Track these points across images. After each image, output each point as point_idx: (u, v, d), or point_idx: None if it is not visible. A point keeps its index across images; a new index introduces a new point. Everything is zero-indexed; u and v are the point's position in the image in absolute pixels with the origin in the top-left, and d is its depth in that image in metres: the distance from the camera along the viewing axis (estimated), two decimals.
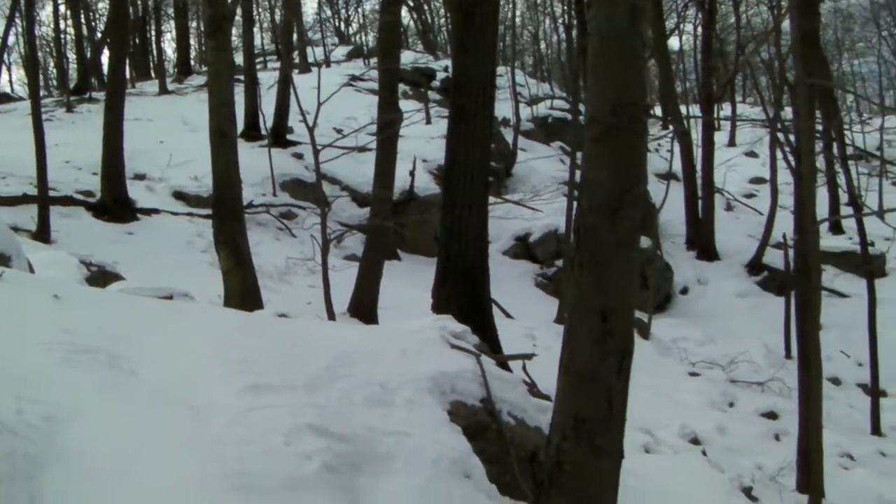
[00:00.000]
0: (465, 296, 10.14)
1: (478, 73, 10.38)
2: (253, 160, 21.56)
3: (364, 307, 14.40)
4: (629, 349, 3.67)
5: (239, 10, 28.57)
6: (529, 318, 17.45)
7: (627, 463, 7.81)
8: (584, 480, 3.64)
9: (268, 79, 31.78)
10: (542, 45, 56.07)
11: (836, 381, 19.49)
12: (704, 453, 11.24)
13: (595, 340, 3.60)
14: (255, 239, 15.75)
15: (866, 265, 18.52)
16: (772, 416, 15.92)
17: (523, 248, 22.17)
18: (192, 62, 47.76)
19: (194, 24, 48.59)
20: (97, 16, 46.61)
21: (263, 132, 25.06)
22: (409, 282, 16.85)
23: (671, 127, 28.40)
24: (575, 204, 14.98)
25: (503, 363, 8.03)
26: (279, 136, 24.49)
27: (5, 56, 38.93)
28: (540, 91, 39.32)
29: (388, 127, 14.18)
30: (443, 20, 53.25)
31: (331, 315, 12.21)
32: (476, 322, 9.40)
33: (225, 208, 11.65)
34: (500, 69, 36.91)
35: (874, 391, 16.92)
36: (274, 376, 5.33)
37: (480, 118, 10.34)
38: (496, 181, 24.86)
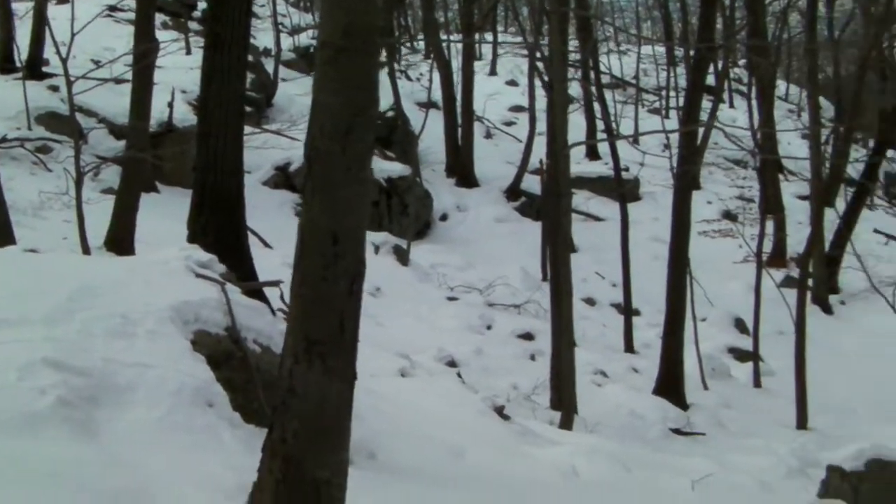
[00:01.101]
0: (221, 226, 10.03)
1: (233, 1, 10.21)
2: (7, 93, 20.66)
3: (120, 241, 14.05)
4: (361, 272, 3.73)
5: None
6: (288, 247, 17.41)
7: (381, 387, 8.02)
8: (316, 403, 3.70)
9: (23, 10, 30.00)
10: None
11: (591, 302, 20.46)
12: (460, 375, 11.62)
13: (326, 263, 3.64)
14: (8, 174, 15.09)
15: (619, 189, 19.47)
16: (528, 337, 16.59)
17: (283, 178, 22.04)
18: None
19: None
20: None
21: (18, 64, 23.75)
22: (167, 214, 16.46)
23: (432, 57, 28.64)
24: None
25: (256, 291, 8.02)
26: (34, 69, 23.25)
27: None
28: (302, 21, 38.76)
29: (143, 57, 13.86)
30: None
31: (86, 249, 11.82)
32: (232, 252, 9.39)
33: None
34: None
35: (627, 310, 17.90)
36: (10, 311, 5.14)
37: (236, 47, 10.19)
38: (256, 111, 24.53)
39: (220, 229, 9.96)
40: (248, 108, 19.86)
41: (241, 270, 8.89)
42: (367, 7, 3.74)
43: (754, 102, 28.75)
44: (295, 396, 3.70)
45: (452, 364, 12.87)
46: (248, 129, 15.11)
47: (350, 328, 3.73)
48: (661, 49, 45.69)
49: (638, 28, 54.22)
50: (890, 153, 37.32)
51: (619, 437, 10.60)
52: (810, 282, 21.88)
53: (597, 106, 26.20)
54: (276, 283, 7.47)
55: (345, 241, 3.66)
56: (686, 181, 14.65)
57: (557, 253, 11.62)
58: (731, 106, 41.90)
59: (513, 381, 12.71)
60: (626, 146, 25.57)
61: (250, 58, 22.52)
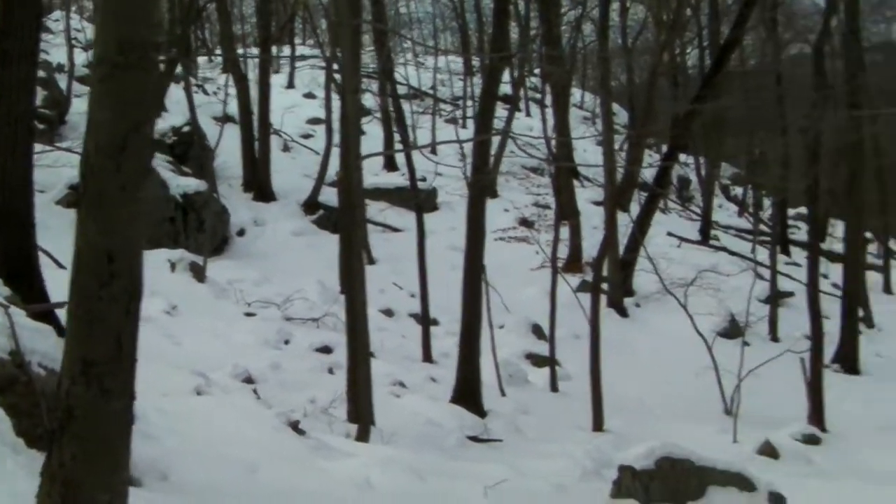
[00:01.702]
0: (8, 247, 9.79)
1: (23, 16, 10.01)
2: None
3: None
4: (137, 291, 3.76)
5: None
6: None
7: (175, 406, 7.96)
8: (94, 424, 3.70)
9: None
10: None
11: (389, 313, 20.68)
12: (256, 391, 11.61)
13: (101, 283, 3.65)
14: None
15: (415, 199, 19.81)
16: (326, 350, 16.67)
17: (77, 197, 21.33)
18: None
19: None
20: None
21: None
22: None
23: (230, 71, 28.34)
24: None
25: (45, 313, 7.84)
26: None
27: None
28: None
29: None
30: None
31: None
32: (21, 273, 9.30)
33: None
34: (57, 13, 34.97)
35: (424, 320, 18.19)
36: None
37: (25, 62, 9.98)
38: (48, 128, 23.75)
39: (7, 250, 9.71)
40: (39, 126, 19.22)
41: (31, 292, 8.78)
42: (144, 22, 3.77)
43: (549, 110, 29.72)
44: (72, 419, 3.69)
45: (249, 380, 12.80)
46: (39, 146, 14.66)
47: (128, 348, 3.75)
48: (458, 59, 46.61)
49: (435, 39, 55.02)
50: (682, 157, 39.32)
51: (416, 447, 10.80)
52: (605, 286, 22.84)
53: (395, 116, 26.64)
54: (63, 305, 7.32)
55: (120, 259, 3.68)
56: (480, 189, 15.01)
57: (351, 264, 11.75)
58: (528, 114, 43.07)
59: (311, 395, 12.73)
60: (424, 156, 26.05)
61: (42, 73, 21.79)
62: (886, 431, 18.32)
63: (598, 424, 14.96)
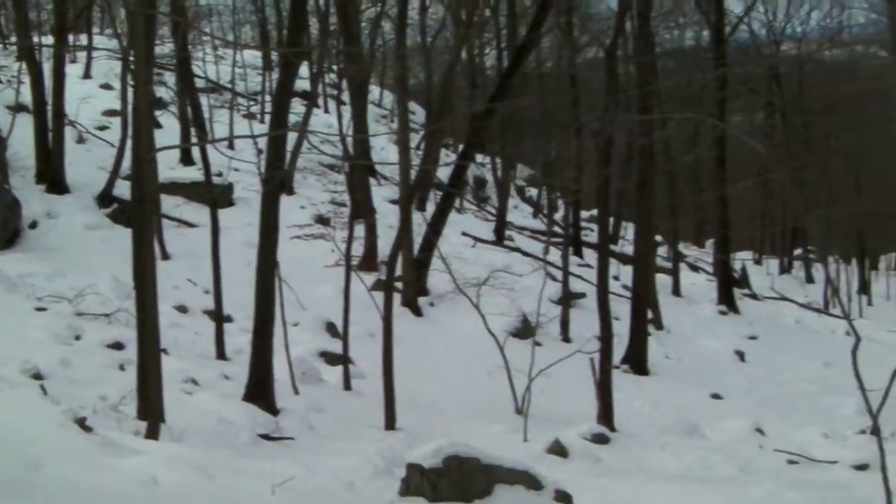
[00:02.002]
0: None
1: None
2: None
3: None
4: None
5: None
6: None
7: None
8: None
9: None
10: None
11: (183, 309, 20.49)
12: (43, 388, 11.37)
13: None
14: None
15: (209, 194, 19.68)
16: (118, 346, 16.44)
17: None
18: None
19: None
20: None
21: None
22: None
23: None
24: None
25: None
26: None
27: None
28: None
29: None
30: None
31: None
32: None
33: None
34: None
35: (218, 317, 18.11)
36: None
37: None
38: None
39: None
40: None
41: None
42: None
43: (346, 107, 29.89)
44: None
45: (38, 376, 12.56)
46: None
47: None
48: (257, 54, 46.25)
49: (235, 32, 54.35)
50: (479, 158, 40.20)
51: (207, 445, 10.80)
52: (400, 285, 23.19)
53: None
54: None
55: None
56: (274, 186, 15.05)
57: (142, 259, 11.63)
58: (327, 111, 43.19)
59: (101, 392, 12.56)
60: (220, 151, 25.79)
61: None
62: (672, 431, 19.34)
63: (390, 423, 15.21)
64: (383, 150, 37.86)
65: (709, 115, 30.15)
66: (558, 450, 15.88)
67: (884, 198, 46.11)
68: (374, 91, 46.15)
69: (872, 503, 14.30)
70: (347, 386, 17.66)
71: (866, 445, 15.70)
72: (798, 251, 50.39)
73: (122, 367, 15.19)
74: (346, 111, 32.48)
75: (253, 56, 47.16)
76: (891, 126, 29.06)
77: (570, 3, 32.85)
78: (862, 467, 17.91)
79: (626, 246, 35.74)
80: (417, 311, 24.25)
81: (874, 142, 42.20)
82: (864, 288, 48.40)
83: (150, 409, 10.80)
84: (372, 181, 30.38)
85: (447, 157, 39.23)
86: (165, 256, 23.05)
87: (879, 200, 45.73)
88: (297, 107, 28.46)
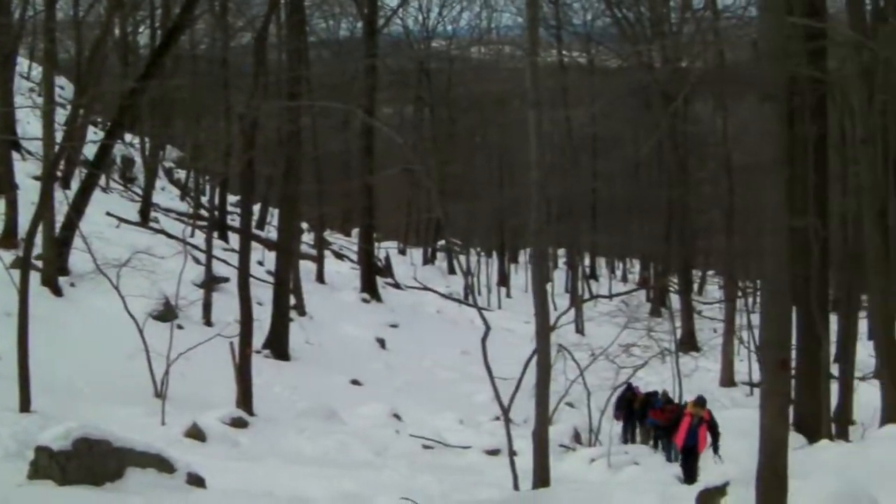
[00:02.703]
0: None
1: None
2: None
3: None
4: None
5: None
6: None
7: None
8: None
9: None
10: None
11: None
12: None
13: None
14: None
15: None
16: None
17: None
18: None
19: None
20: None
21: None
22: None
23: None
24: None
25: None
26: None
27: None
28: None
29: None
30: None
31: None
32: None
33: None
34: None
35: None
36: None
37: None
38: None
39: None
40: None
41: None
42: None
43: None
44: None
45: None
46: None
47: None
48: None
49: None
50: (128, 138, 39.06)
51: None
52: (39, 263, 22.23)
53: None
54: None
55: None
56: None
57: None
58: None
59: None
60: None
61: None
62: (311, 415, 19.79)
63: (24, 405, 14.60)
64: (29, 124, 35.94)
65: (358, 106, 31.01)
66: (196, 433, 15.94)
67: (525, 194, 48.69)
68: (23, 63, 43.57)
69: (502, 485, 15.44)
70: None
71: (499, 431, 16.75)
72: (441, 242, 52.44)
73: None
74: None
75: None
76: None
77: None
78: (494, 452, 19.18)
79: (273, 232, 35.96)
80: (57, 291, 23.28)
81: (515, 139, 44.60)
82: (503, 280, 51.16)
83: None
84: (16, 155, 28.81)
85: (95, 134, 37.83)
86: None
87: (521, 196, 48.46)
88: None
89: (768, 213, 8.34)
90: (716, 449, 17.38)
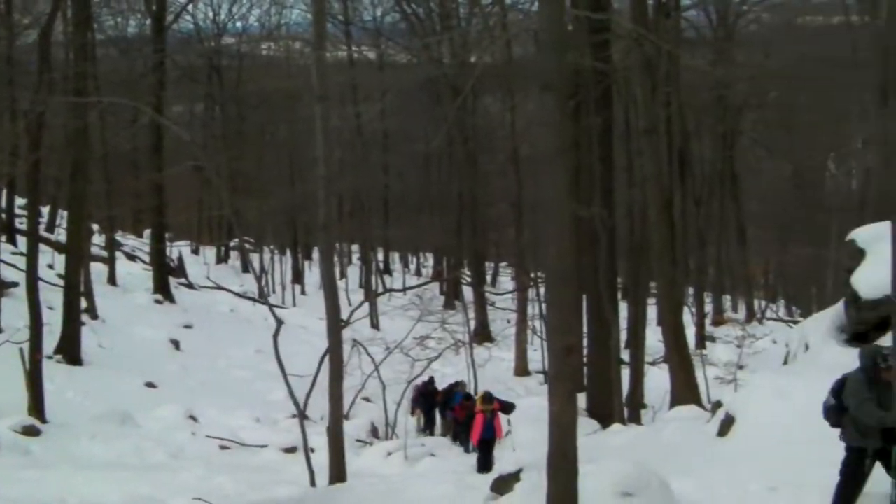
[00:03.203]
0: None
1: None
2: None
3: None
4: None
5: None
6: None
7: None
8: None
9: None
10: None
11: None
12: None
13: None
14: None
15: None
16: None
17: None
18: None
19: None
20: None
21: None
22: None
23: None
24: None
25: None
26: None
27: None
28: None
29: None
30: None
31: None
32: None
33: None
34: None
35: None
36: None
37: None
38: None
39: None
40: None
41: None
42: None
43: None
44: None
45: None
46: None
47: None
48: None
49: None
50: None
51: None
52: None
53: None
54: None
55: None
56: None
57: None
58: None
59: None
60: None
61: None
62: (104, 420, 19.52)
63: None
64: None
65: (146, 103, 30.49)
66: None
67: (316, 190, 48.62)
68: None
69: (299, 483, 15.71)
70: None
71: (296, 428, 16.98)
72: (234, 241, 51.95)
73: None
74: None
75: None
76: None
77: None
78: (291, 450, 19.42)
79: (63, 234, 34.90)
80: None
81: (305, 135, 44.45)
82: (298, 277, 51.15)
83: None
84: None
85: None
86: None
87: (312, 192, 48.34)
88: None
89: (551, 202, 8.47)
90: (506, 410, 18.26)
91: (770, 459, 11.52)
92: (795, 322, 34.67)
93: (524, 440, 17.94)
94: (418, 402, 24.72)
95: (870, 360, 8.84)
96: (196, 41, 51.29)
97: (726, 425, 14.43)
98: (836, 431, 9.28)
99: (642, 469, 10.12)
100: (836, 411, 9.10)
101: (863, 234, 16.36)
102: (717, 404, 16.33)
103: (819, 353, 15.92)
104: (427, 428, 24.67)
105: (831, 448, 9.85)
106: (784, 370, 16.95)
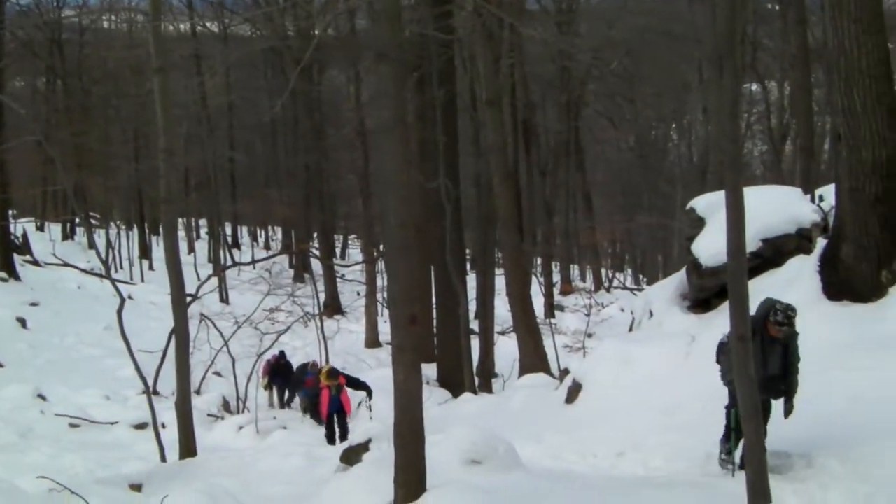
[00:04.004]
0: None
1: None
2: None
3: None
4: None
5: None
6: None
7: None
8: None
9: None
10: None
11: None
12: None
13: None
14: None
15: None
16: None
17: None
18: None
19: None
20: None
21: None
22: None
23: None
24: None
25: None
26: None
27: None
28: None
29: None
30: None
31: None
32: None
33: None
34: None
35: None
36: None
37: None
38: None
39: None
40: None
41: None
42: None
43: None
44: None
45: None
46: None
47: None
48: None
49: None
50: None
51: None
52: None
53: None
54: None
55: None
56: None
57: None
58: None
59: None
60: None
61: None
62: None
63: None
64: None
65: None
66: None
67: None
68: None
69: (149, 459, 15.83)
70: None
71: (146, 405, 17.08)
72: (80, 217, 50.87)
73: None
74: None
75: None
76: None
77: None
78: (142, 426, 19.44)
79: None
80: None
81: (149, 109, 43.61)
82: (145, 253, 50.40)
83: None
84: None
85: None
86: None
87: (157, 166, 47.63)
88: None
89: (390, 173, 8.51)
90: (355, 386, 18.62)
91: (616, 425, 12.10)
92: (641, 290, 35.94)
93: (376, 411, 18.38)
94: (274, 379, 24.73)
95: (763, 311, 8.83)
96: (35, 14, 49.74)
97: (574, 392, 15.02)
98: (683, 391, 9.69)
99: (490, 436, 10.29)
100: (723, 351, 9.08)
101: (702, 203, 17.09)
102: (565, 372, 16.91)
103: (663, 319, 16.59)
104: (288, 403, 24.78)
105: (675, 414, 10.52)
106: (629, 337, 17.52)
